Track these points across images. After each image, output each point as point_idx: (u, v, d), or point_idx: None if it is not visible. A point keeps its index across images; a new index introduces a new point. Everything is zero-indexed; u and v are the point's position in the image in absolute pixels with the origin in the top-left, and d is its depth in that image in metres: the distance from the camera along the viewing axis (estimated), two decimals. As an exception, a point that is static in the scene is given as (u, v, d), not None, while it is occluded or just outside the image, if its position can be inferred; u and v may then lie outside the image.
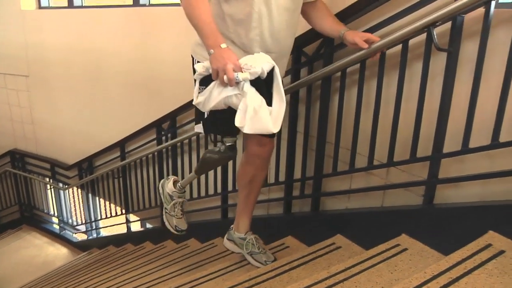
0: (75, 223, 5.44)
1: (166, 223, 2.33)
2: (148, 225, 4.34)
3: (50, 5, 4.87)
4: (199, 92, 1.60)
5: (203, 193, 3.24)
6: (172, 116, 3.33)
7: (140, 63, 3.76)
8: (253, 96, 1.49)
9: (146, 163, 3.82)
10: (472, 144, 1.59)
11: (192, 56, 1.83)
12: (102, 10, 4.19)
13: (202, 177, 3.16)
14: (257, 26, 1.63)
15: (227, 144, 1.89)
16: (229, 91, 1.51)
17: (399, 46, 1.76)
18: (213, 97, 1.54)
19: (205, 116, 1.74)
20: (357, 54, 1.80)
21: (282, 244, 2.31)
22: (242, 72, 1.49)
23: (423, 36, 1.67)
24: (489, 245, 1.33)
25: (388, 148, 1.89)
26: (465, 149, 1.61)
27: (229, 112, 1.57)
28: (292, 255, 1.98)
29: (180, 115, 3.30)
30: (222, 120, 1.67)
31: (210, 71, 1.54)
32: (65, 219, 5.54)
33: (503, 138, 1.51)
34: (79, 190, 5.02)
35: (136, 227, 4.47)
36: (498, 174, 1.52)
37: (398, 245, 1.68)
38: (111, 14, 4.00)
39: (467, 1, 1.44)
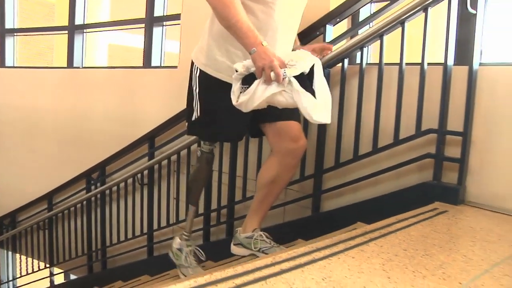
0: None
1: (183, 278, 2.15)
2: (73, 276, 4.44)
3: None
4: (240, 92, 1.53)
5: (129, 235, 3.54)
6: (101, 166, 3.69)
7: (72, 120, 4.14)
8: (302, 90, 1.48)
9: (75, 213, 4.05)
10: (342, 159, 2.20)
11: (193, 62, 1.89)
12: (37, 70, 4.59)
13: (129, 216, 3.49)
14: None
15: (205, 150, 1.96)
16: (275, 88, 1.47)
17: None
18: (257, 96, 1.48)
19: (196, 116, 1.83)
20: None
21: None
22: (290, 68, 1.48)
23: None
24: (355, 237, 1.81)
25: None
26: (337, 164, 2.21)
27: (227, 118, 1.69)
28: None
29: (109, 165, 3.67)
30: (213, 120, 1.78)
31: (252, 70, 1.51)
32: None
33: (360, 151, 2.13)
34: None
35: (60, 279, 4.54)
36: (363, 178, 2.11)
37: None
38: (46, 75, 4.42)
39: (330, 57, 2.10)
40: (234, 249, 2.08)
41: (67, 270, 4.39)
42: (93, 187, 3.82)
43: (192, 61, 1.89)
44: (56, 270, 4.50)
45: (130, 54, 7.29)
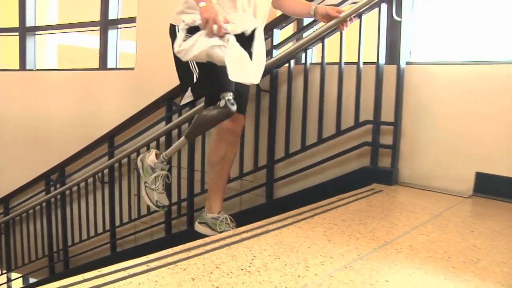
0: None
1: (146, 198, 2.18)
2: (32, 280, 4.45)
3: None
4: (183, 40, 1.63)
5: (92, 233, 3.63)
6: (61, 167, 3.75)
7: (29, 122, 4.16)
8: (238, 48, 1.57)
9: (34, 215, 4.07)
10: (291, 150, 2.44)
11: (172, 25, 1.94)
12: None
13: (91, 215, 3.58)
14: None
15: (227, 98, 1.79)
16: (216, 41, 1.57)
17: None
18: (198, 45, 1.58)
19: (195, 79, 1.78)
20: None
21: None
22: (232, 24, 1.58)
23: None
24: (302, 213, 2.05)
25: (239, 165, 2.65)
26: (287, 155, 2.45)
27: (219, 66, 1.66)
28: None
29: (68, 165, 3.74)
30: (217, 72, 1.70)
31: (198, 23, 1.61)
32: None
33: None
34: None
35: (18, 284, 4.53)
36: (311, 166, 2.36)
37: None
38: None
39: (277, 58, 2.33)
40: (199, 227, 2.15)
41: (26, 274, 4.39)
42: (52, 189, 3.87)
43: (172, 26, 1.95)
44: (14, 275, 4.48)
45: (77, 54, 7.22)
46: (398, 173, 2.20)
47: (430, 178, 2.15)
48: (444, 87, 2.11)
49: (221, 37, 1.57)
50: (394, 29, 2.16)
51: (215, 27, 1.55)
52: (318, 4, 2.07)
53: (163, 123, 3.06)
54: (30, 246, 4.17)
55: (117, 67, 3.91)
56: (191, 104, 2.28)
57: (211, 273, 1.00)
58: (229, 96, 1.76)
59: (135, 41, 3.53)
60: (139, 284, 0.93)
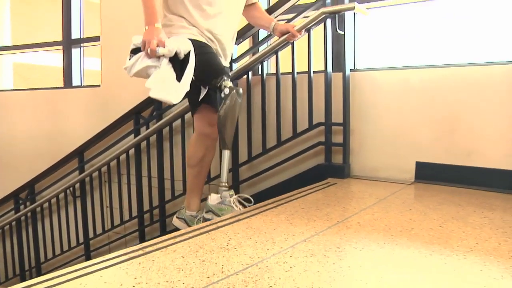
0: None
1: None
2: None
3: None
4: (128, 59, 1.84)
5: (65, 247, 3.72)
6: (30, 184, 3.83)
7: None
8: (167, 70, 1.76)
9: (3, 235, 4.11)
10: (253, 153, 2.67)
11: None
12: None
13: (63, 229, 3.67)
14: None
15: (224, 84, 1.91)
16: (149, 62, 1.78)
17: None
18: (137, 65, 1.79)
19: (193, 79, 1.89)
20: (180, 109, 2.80)
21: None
22: (163, 48, 1.76)
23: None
24: (267, 204, 2.29)
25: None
26: (250, 158, 2.68)
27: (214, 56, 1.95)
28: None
29: (38, 182, 3.82)
30: (207, 64, 1.92)
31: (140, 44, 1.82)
32: None
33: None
34: None
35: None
36: (272, 167, 2.60)
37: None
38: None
39: (237, 71, 2.57)
40: (176, 221, 2.29)
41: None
42: (22, 207, 3.93)
43: None
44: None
45: (32, 72, 7.20)
46: (349, 167, 2.48)
47: (377, 170, 2.44)
48: (383, 90, 2.42)
49: (158, 58, 1.77)
50: (338, 41, 2.45)
51: (149, 50, 1.75)
52: (275, 17, 2.34)
53: (132, 136, 3.24)
54: (0, 267, 4.19)
55: (83, 84, 4.04)
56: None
57: (196, 251, 1.22)
58: (225, 80, 1.91)
59: (98, 57, 3.68)
60: (139, 263, 1.13)
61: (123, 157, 3.28)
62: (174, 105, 2.87)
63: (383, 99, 2.42)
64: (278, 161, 2.60)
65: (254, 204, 1.99)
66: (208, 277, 1.04)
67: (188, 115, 2.88)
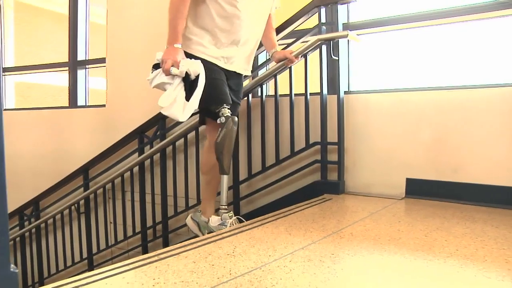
0: None
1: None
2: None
3: None
4: (151, 72, 2.04)
5: (69, 263, 3.82)
6: (35, 201, 3.95)
7: None
8: (178, 89, 1.94)
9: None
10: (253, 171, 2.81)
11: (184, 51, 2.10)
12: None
13: (67, 245, 3.78)
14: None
15: (222, 112, 2.05)
16: (165, 79, 1.97)
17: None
18: (156, 79, 2.00)
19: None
20: (183, 129, 2.95)
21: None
22: (177, 68, 1.93)
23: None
24: (267, 218, 2.42)
25: (196, 190, 3.00)
26: (250, 176, 2.82)
27: (221, 83, 2.07)
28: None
29: (42, 199, 3.94)
30: (213, 88, 2.04)
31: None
32: None
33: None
34: None
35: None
36: (270, 184, 2.74)
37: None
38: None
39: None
40: (189, 221, 2.42)
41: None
42: (26, 223, 4.04)
43: (184, 51, 2.12)
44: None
45: (32, 91, 7.34)
46: (344, 184, 2.63)
47: (370, 186, 2.59)
48: (375, 111, 2.58)
49: (172, 76, 1.95)
50: (333, 66, 2.62)
51: (164, 68, 1.94)
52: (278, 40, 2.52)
53: (136, 154, 3.38)
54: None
55: (87, 104, 4.20)
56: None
57: (206, 257, 1.35)
58: (224, 108, 2.06)
59: (101, 77, 3.86)
60: (156, 267, 1.27)
61: (127, 174, 3.41)
62: (180, 123, 3.05)
63: (375, 120, 2.59)
64: (277, 178, 2.75)
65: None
66: (218, 278, 1.18)
67: (191, 135, 3.03)
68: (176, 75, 1.94)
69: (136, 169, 3.38)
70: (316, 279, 1.18)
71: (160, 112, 3.17)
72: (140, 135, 3.38)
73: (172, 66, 1.93)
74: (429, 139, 2.42)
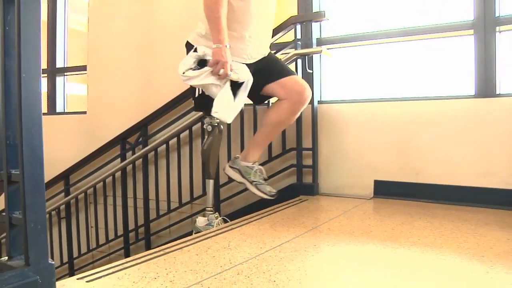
0: None
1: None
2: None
3: None
4: (191, 68, 1.90)
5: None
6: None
7: None
8: (228, 92, 1.91)
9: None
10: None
11: (191, 44, 2.08)
12: None
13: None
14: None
15: (214, 124, 2.14)
16: (214, 81, 1.88)
17: (187, 132, 3.14)
18: (200, 78, 1.88)
19: (199, 93, 2.05)
20: (163, 138, 3.12)
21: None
22: (235, 74, 1.91)
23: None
24: (252, 217, 2.62)
25: (189, 192, 3.17)
26: (230, 180, 3.01)
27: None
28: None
29: (22, 205, 3.98)
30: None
31: (207, 57, 1.89)
32: None
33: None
34: None
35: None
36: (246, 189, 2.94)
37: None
38: None
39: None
40: (229, 170, 2.37)
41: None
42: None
43: (189, 44, 2.13)
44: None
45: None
46: (318, 186, 2.86)
47: (341, 188, 2.83)
48: (346, 119, 2.84)
49: (220, 79, 1.89)
50: (308, 78, 2.85)
51: (221, 71, 1.86)
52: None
53: (118, 160, 3.52)
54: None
55: (65, 111, 4.28)
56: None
57: (206, 251, 1.54)
58: (216, 122, 2.12)
59: (78, 83, 3.96)
60: (164, 260, 1.45)
61: (109, 179, 3.54)
62: (162, 129, 3.23)
63: (346, 128, 2.84)
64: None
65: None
66: (221, 267, 1.37)
67: (172, 141, 3.20)
68: (232, 79, 1.90)
69: (118, 174, 3.50)
70: (304, 265, 1.39)
71: (143, 119, 3.36)
72: (122, 142, 3.51)
73: (222, 69, 1.86)
74: (395, 145, 2.69)
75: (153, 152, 3.33)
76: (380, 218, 2.10)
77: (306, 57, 2.77)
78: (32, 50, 1.08)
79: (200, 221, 2.38)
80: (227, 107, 1.91)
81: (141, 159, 3.39)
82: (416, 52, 2.74)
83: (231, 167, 2.37)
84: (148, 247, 3.42)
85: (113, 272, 1.32)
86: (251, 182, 2.28)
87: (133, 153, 3.43)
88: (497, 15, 2.35)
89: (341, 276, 1.33)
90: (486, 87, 2.38)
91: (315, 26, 2.87)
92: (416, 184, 2.60)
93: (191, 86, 2.09)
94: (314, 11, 2.93)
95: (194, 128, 3.14)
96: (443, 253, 1.50)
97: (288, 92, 2.16)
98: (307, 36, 2.83)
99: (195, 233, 2.44)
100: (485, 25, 2.36)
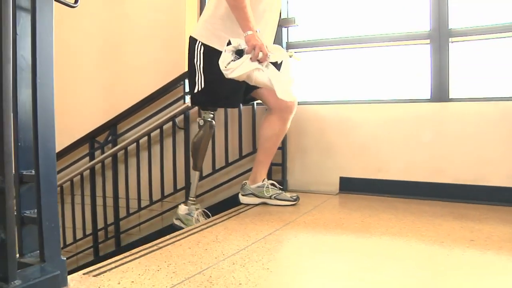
0: None
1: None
2: None
3: None
4: (232, 60, 1.93)
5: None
6: None
7: None
8: (276, 72, 1.96)
9: None
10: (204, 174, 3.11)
11: (194, 39, 2.17)
12: None
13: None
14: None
15: (207, 119, 2.23)
16: (257, 65, 1.92)
17: (157, 131, 3.21)
18: (243, 67, 1.90)
19: (199, 89, 2.13)
20: (134, 137, 3.18)
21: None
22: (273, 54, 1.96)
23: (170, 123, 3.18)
24: (231, 212, 2.76)
25: (160, 189, 3.24)
26: (201, 178, 3.11)
27: (227, 87, 2.06)
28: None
29: None
30: (216, 92, 2.09)
31: (241, 47, 1.94)
32: None
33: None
34: None
35: None
36: (222, 184, 3.06)
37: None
38: None
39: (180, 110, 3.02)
40: (244, 199, 2.46)
41: None
42: None
43: (193, 39, 2.22)
44: None
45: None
46: (287, 183, 3.03)
47: (309, 184, 3.01)
48: (313, 120, 3.01)
49: (261, 62, 1.94)
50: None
51: (260, 54, 1.91)
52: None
53: (87, 159, 3.52)
54: None
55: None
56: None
57: (197, 244, 1.66)
58: (209, 118, 2.23)
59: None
60: (161, 253, 1.55)
61: (76, 178, 3.54)
62: (129, 130, 3.28)
63: (312, 128, 3.01)
64: (227, 179, 3.07)
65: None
66: (215, 258, 1.49)
67: (142, 140, 3.26)
68: (273, 60, 1.95)
69: (86, 173, 3.51)
70: (288, 251, 1.55)
71: (112, 118, 3.38)
72: (91, 140, 3.52)
73: (261, 52, 1.91)
74: (358, 144, 2.89)
75: (123, 151, 3.37)
76: (348, 211, 2.29)
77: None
78: (47, 57, 1.15)
79: (182, 208, 2.50)
80: (286, 86, 1.98)
81: (110, 158, 3.42)
82: (377, 58, 2.96)
83: (243, 195, 2.48)
84: (118, 245, 3.46)
85: (116, 267, 1.40)
86: (269, 197, 2.39)
87: (102, 152, 3.45)
88: (449, 27, 2.60)
89: (324, 262, 1.49)
90: (440, 92, 2.63)
91: (284, 31, 3.02)
92: (378, 180, 2.82)
93: (205, 81, 2.14)
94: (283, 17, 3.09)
95: (165, 127, 3.22)
96: (409, 241, 1.70)
97: (276, 100, 2.20)
98: (278, 41, 2.98)
99: (175, 219, 2.56)
100: (440, 36, 2.61)
